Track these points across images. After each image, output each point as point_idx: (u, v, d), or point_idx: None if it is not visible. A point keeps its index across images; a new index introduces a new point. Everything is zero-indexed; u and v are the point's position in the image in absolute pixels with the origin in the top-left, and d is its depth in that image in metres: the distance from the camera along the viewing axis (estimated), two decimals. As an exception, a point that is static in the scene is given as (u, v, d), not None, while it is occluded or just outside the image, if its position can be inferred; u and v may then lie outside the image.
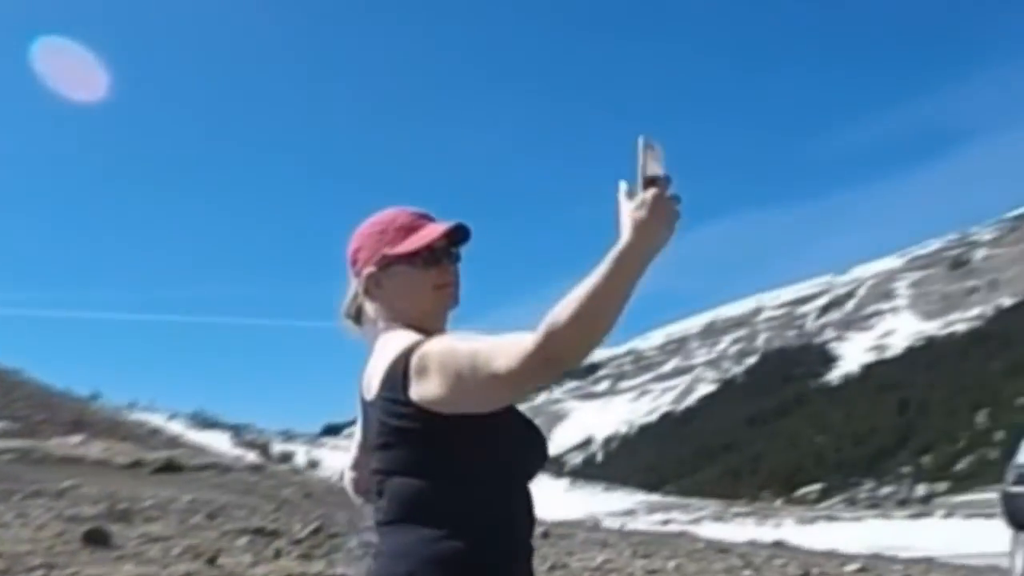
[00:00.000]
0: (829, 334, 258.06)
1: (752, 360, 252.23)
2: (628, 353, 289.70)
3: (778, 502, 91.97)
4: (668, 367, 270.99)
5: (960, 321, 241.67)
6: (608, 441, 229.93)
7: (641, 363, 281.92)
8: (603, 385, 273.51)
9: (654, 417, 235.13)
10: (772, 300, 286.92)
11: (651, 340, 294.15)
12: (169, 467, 16.53)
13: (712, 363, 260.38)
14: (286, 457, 42.55)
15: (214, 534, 9.46)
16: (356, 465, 2.22)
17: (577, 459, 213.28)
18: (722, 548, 11.36)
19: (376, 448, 1.95)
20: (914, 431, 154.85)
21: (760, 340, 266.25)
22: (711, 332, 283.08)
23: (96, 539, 8.34)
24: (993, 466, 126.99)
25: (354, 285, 2.13)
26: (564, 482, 70.55)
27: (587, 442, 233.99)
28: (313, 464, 41.19)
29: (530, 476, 2.01)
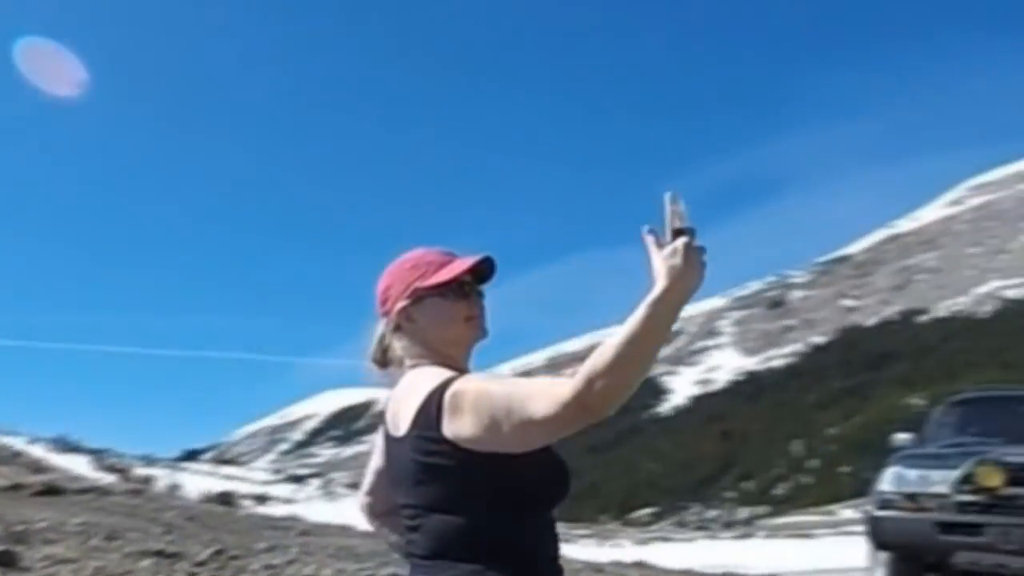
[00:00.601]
0: (661, 368, 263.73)
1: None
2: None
3: (614, 524, 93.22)
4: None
5: (778, 357, 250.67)
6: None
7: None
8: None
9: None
10: (610, 336, 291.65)
11: (499, 372, 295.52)
12: (50, 490, 15.83)
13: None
14: (146, 481, 41.52)
15: (117, 556, 9.14)
16: (371, 491, 2.21)
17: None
18: (598, 568, 11.52)
19: (411, 484, 1.90)
20: (736, 459, 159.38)
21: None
22: (553, 366, 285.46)
23: (5, 562, 7.99)
24: (807, 491, 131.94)
25: (380, 326, 2.10)
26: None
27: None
28: (175, 488, 40.20)
29: (556, 505, 1.99)
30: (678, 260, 1.69)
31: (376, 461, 2.17)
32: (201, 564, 9.09)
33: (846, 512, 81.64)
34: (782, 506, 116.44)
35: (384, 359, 2.10)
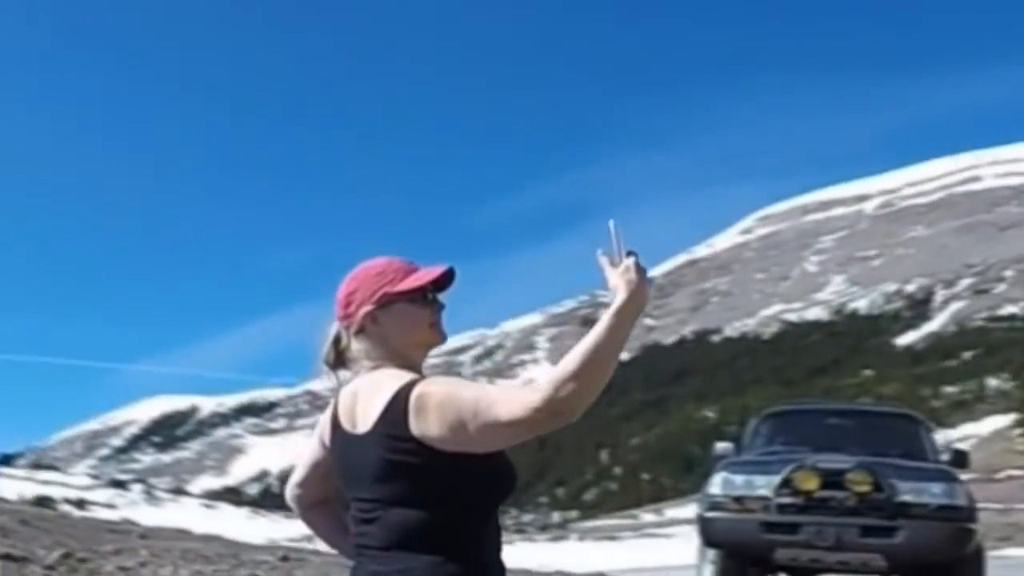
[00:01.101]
0: (483, 380, 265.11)
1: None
2: (305, 393, 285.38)
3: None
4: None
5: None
6: (285, 474, 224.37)
7: (317, 402, 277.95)
8: (280, 422, 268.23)
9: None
10: (434, 349, 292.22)
11: (326, 382, 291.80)
12: None
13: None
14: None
15: (-39, 561, 8.63)
16: (302, 483, 2.20)
17: (254, 490, 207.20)
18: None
19: (372, 480, 1.90)
20: (550, 466, 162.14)
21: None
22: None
23: None
24: (614, 496, 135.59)
25: (335, 328, 2.10)
26: (245, 511, 68.75)
27: (264, 474, 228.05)
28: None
29: (502, 503, 2.05)
30: (632, 276, 1.79)
31: (311, 455, 2.16)
32: (51, 568, 8.68)
33: (647, 516, 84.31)
34: (591, 511, 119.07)
35: (338, 361, 2.10)
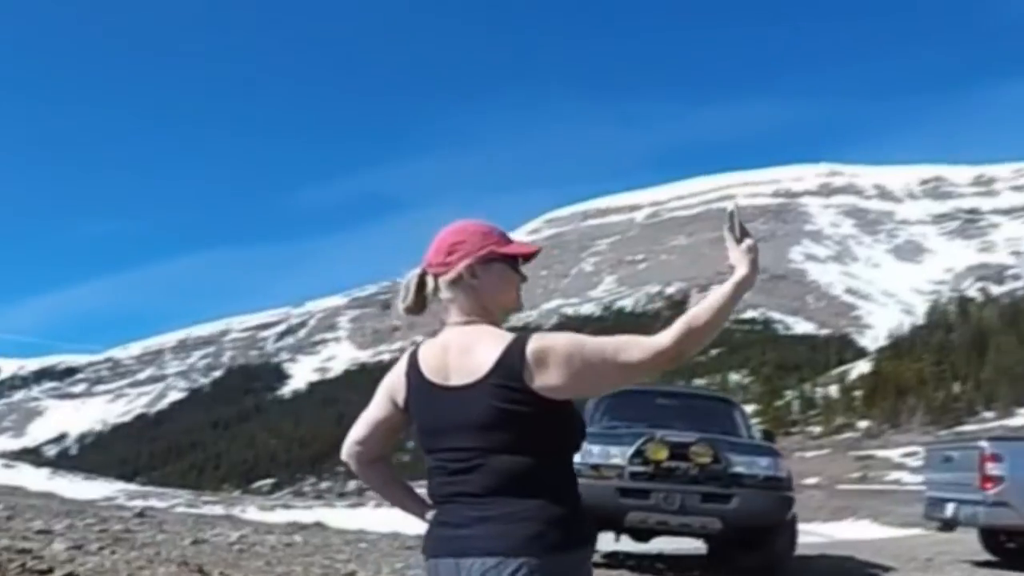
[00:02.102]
0: (284, 356, 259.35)
1: (218, 373, 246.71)
2: (106, 360, 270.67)
3: (237, 492, 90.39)
4: (143, 375, 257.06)
5: (387, 352, 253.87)
6: (83, 437, 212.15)
7: (118, 370, 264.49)
8: (80, 387, 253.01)
9: (128, 418, 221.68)
10: (239, 324, 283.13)
11: (129, 351, 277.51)
12: None
13: (183, 374, 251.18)
14: None
15: None
16: (364, 440, 2.12)
17: (52, 451, 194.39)
18: (269, 529, 11.10)
19: (474, 429, 1.87)
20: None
21: (226, 357, 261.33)
22: (183, 348, 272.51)
23: None
24: (408, 466, 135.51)
25: (423, 276, 2.04)
26: (45, 471, 64.45)
27: (62, 437, 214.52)
28: None
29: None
30: (754, 255, 1.91)
31: (377, 413, 2.08)
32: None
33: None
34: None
35: (417, 306, 2.04)
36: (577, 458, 7.49)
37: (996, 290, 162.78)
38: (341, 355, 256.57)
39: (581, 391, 1.89)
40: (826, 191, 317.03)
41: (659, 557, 8.10)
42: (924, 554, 10.60)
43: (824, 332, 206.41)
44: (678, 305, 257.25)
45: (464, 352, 1.92)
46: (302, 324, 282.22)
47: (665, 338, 1.83)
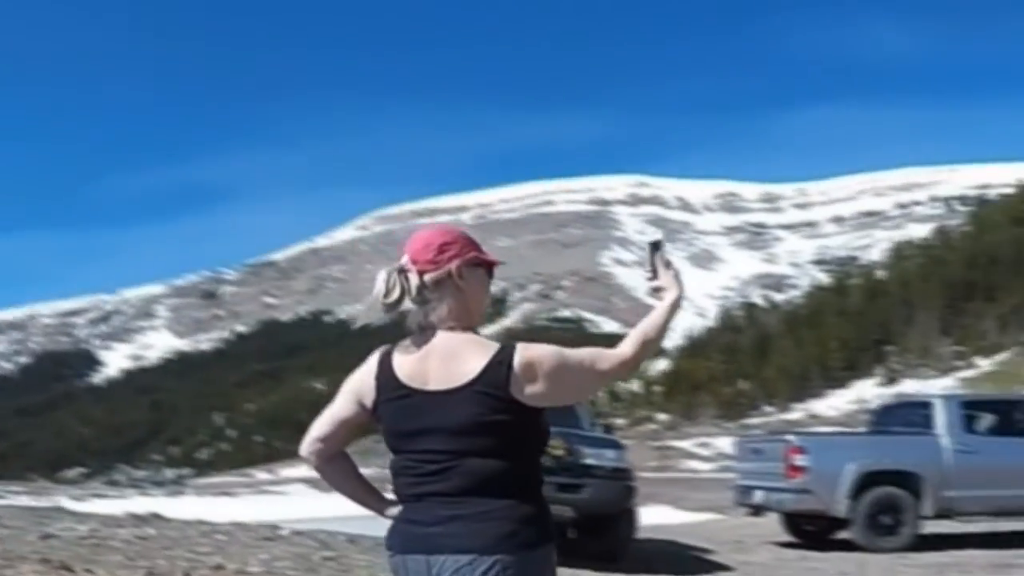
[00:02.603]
0: (97, 343, 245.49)
1: (26, 360, 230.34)
2: None
3: (45, 482, 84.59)
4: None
5: (206, 341, 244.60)
6: None
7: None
8: None
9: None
10: (48, 310, 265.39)
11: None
12: None
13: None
14: None
15: None
16: (326, 438, 2.03)
17: None
18: (135, 521, 10.52)
19: (450, 433, 1.86)
20: (164, 427, 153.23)
21: (34, 343, 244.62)
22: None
23: None
24: (226, 456, 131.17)
25: (402, 270, 1.96)
26: None
27: None
28: None
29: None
30: (679, 278, 2.06)
31: (340, 412, 2.02)
32: None
33: (261, 474, 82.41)
34: (205, 468, 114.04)
35: (399, 301, 1.95)
36: None
37: (778, 297, 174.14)
38: (159, 343, 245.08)
39: (562, 399, 1.92)
40: (634, 201, 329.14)
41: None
42: (733, 537, 11.25)
43: (628, 331, 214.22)
44: (497, 303, 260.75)
45: (448, 358, 1.90)
46: (116, 311, 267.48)
47: (627, 349, 1.93)
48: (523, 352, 1.88)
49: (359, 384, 2.00)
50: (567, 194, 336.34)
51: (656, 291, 2.08)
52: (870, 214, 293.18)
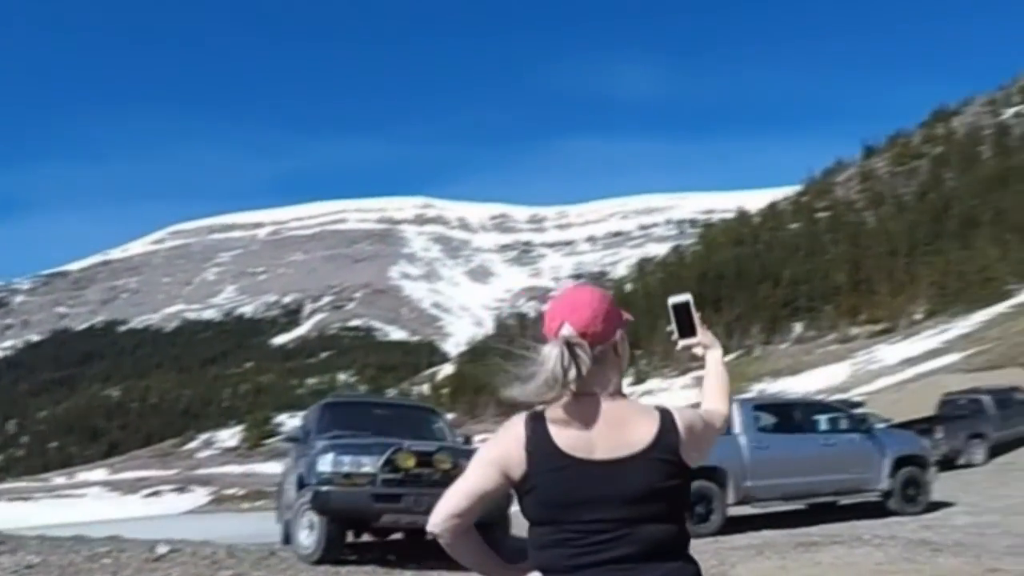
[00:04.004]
0: None
1: None
2: None
3: None
4: None
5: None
6: None
7: None
8: None
9: None
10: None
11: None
12: None
13: None
14: None
15: None
16: (462, 513, 1.75)
17: None
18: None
19: (624, 501, 1.67)
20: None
21: None
22: None
23: None
24: (20, 461, 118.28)
25: (576, 349, 1.69)
26: None
27: None
28: None
29: None
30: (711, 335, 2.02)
31: (482, 486, 1.73)
32: None
33: (58, 479, 75.01)
34: (2, 473, 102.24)
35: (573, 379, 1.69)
36: (328, 468, 7.10)
37: (543, 308, 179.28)
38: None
39: (702, 460, 1.80)
40: (421, 220, 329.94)
41: (391, 549, 7.94)
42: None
43: (415, 339, 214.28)
44: (293, 313, 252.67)
45: (616, 426, 1.71)
46: None
47: (723, 406, 1.93)
48: (680, 417, 1.76)
49: (504, 456, 1.72)
50: (359, 213, 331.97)
51: (690, 347, 1.97)
52: (618, 234, 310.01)
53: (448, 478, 7.25)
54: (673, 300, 1.97)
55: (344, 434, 8.12)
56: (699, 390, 2.02)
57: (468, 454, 7.79)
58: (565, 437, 1.69)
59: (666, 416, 1.74)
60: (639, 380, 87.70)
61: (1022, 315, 50.83)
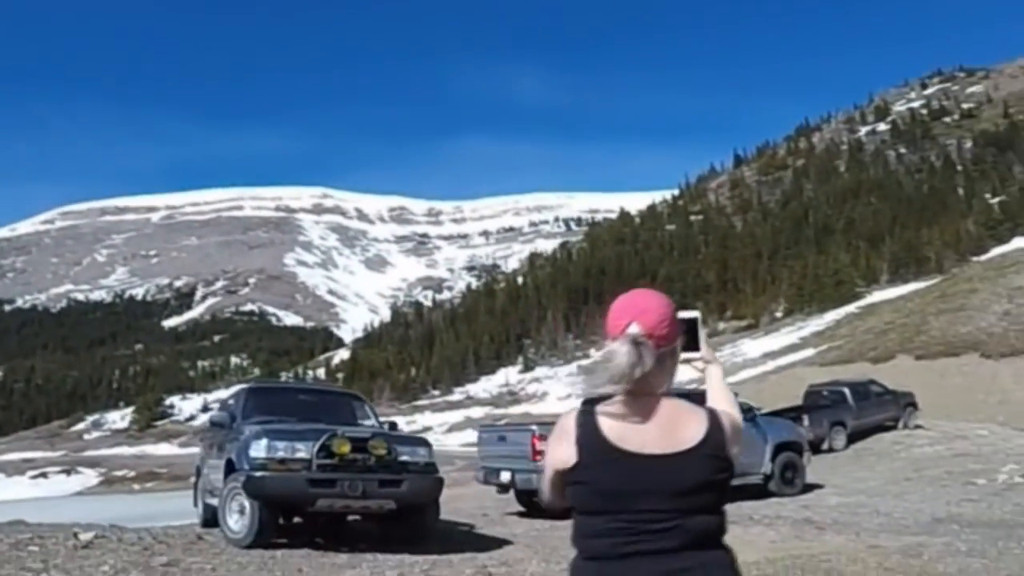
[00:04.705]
0: None
1: None
2: None
3: None
4: None
5: None
6: None
7: None
8: None
9: None
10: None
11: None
12: None
13: None
14: None
15: None
16: (555, 496, 1.82)
17: None
18: None
19: (675, 493, 1.72)
20: None
21: None
22: None
23: None
24: None
25: (642, 348, 1.73)
26: None
27: None
28: None
29: None
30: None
31: (555, 478, 1.80)
32: None
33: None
34: None
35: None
36: (262, 454, 6.85)
37: (439, 297, 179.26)
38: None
39: (740, 455, 1.85)
40: (318, 210, 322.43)
41: (318, 532, 7.74)
42: (479, 511, 11.41)
43: (310, 324, 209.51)
44: (185, 296, 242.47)
45: (670, 423, 1.76)
46: None
47: (735, 410, 1.90)
48: (724, 414, 1.82)
49: (557, 451, 1.79)
50: (255, 201, 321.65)
51: (690, 360, 1.92)
52: (510, 230, 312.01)
53: (382, 464, 7.16)
54: (683, 315, 1.91)
55: (271, 419, 7.89)
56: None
57: (402, 440, 7.72)
58: (619, 432, 1.74)
59: (713, 415, 1.79)
60: (527, 368, 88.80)
61: (870, 315, 54.09)
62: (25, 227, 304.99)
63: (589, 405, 1.78)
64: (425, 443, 7.78)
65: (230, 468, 7.28)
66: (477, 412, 68.25)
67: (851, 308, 62.02)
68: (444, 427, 64.03)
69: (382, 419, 9.11)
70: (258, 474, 6.79)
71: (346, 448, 6.94)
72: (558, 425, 1.80)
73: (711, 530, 1.75)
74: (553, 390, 73.65)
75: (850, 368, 35.20)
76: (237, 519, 7.06)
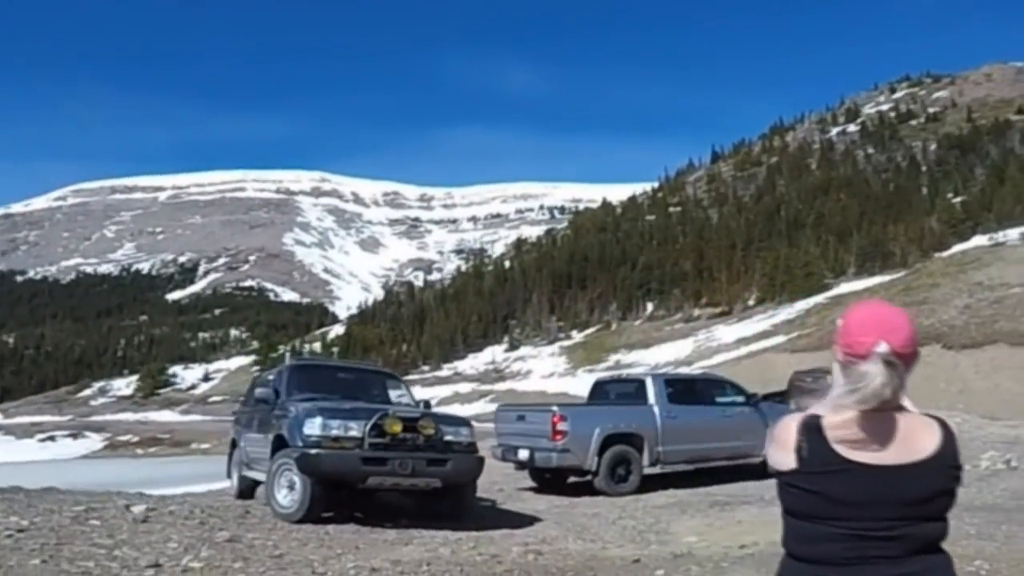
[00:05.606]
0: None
1: None
2: None
3: None
4: None
5: None
6: None
7: None
8: None
9: None
10: None
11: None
12: None
13: None
14: None
15: None
16: None
17: None
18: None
19: (911, 502, 1.66)
20: None
21: None
22: None
23: None
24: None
25: (895, 368, 1.66)
26: None
27: None
28: None
29: None
30: None
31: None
32: None
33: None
34: None
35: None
36: (316, 431, 6.68)
37: (428, 278, 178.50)
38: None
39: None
40: (316, 193, 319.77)
41: (363, 508, 7.61)
42: (492, 486, 11.28)
43: (306, 301, 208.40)
44: (188, 271, 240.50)
45: (906, 435, 1.69)
46: None
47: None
48: (951, 427, 1.76)
49: (778, 457, 1.73)
50: (257, 183, 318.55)
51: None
52: (497, 216, 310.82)
53: (430, 443, 7.03)
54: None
55: (315, 396, 7.73)
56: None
57: (447, 420, 7.58)
58: (852, 443, 1.68)
59: (945, 426, 1.74)
60: (512, 347, 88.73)
61: (837, 305, 54.29)
62: (39, 203, 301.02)
63: (814, 417, 1.69)
64: (467, 424, 7.64)
65: (280, 444, 7.12)
66: (465, 387, 68.25)
67: (820, 298, 62.30)
68: (434, 400, 63.81)
69: (405, 396, 8.96)
70: (313, 451, 6.64)
71: (397, 428, 6.80)
72: (776, 431, 1.74)
73: (936, 536, 1.70)
74: (537, 368, 73.66)
75: (819, 355, 35.37)
76: (286, 494, 6.91)
